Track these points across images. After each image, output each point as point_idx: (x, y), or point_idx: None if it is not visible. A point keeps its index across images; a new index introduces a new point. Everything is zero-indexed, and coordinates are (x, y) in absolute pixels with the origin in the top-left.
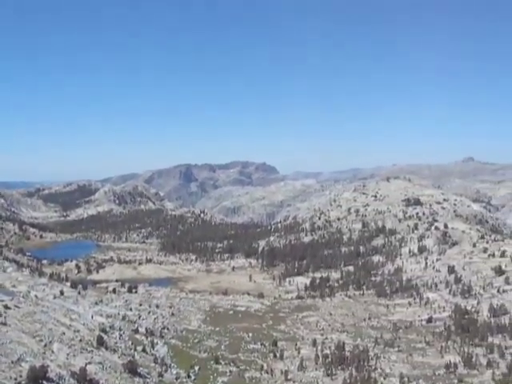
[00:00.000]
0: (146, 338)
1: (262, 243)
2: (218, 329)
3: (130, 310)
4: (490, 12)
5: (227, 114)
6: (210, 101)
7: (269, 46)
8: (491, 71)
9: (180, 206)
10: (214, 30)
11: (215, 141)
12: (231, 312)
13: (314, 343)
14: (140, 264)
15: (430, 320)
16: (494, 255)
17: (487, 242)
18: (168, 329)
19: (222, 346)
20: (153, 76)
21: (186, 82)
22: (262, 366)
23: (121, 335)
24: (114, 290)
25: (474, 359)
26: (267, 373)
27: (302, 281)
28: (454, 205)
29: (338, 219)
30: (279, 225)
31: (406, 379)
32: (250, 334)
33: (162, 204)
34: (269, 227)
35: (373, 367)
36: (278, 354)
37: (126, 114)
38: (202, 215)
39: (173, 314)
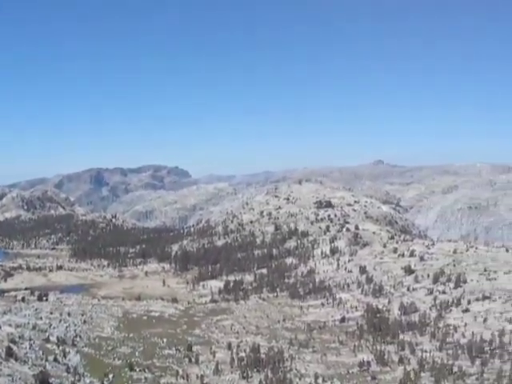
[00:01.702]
0: (58, 347)
1: (175, 247)
2: (131, 335)
3: (41, 318)
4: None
5: (137, 118)
6: (120, 104)
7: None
8: (397, 70)
9: (91, 211)
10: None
11: (127, 144)
12: (145, 318)
13: (229, 346)
14: (50, 271)
15: (343, 320)
16: (403, 255)
17: (397, 243)
18: (80, 337)
19: (137, 353)
20: (62, 79)
21: (94, 83)
22: (178, 372)
23: (31, 345)
24: (23, 299)
25: (386, 356)
26: (183, 378)
27: (216, 284)
28: (365, 206)
29: (251, 222)
30: (192, 229)
31: (320, 379)
32: (165, 340)
33: (72, 209)
34: (182, 231)
35: (288, 368)
36: (193, 359)
37: (34, 117)
38: (113, 220)
39: (85, 322)
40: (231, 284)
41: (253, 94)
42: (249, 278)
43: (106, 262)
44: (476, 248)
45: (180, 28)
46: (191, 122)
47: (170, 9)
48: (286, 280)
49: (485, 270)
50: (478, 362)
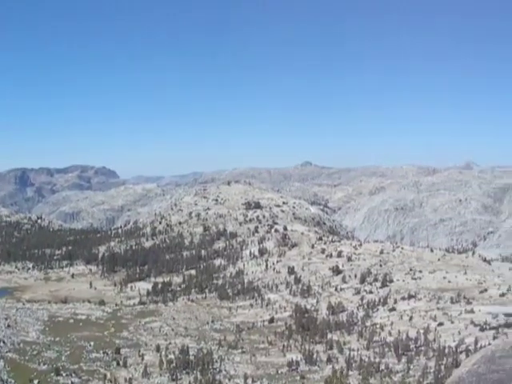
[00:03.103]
0: None
1: (103, 249)
2: (58, 339)
3: None
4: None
5: (63, 117)
6: (46, 103)
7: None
8: (326, 73)
9: (15, 212)
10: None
11: (53, 144)
12: (71, 321)
13: (158, 349)
14: None
15: (271, 320)
16: (331, 255)
17: (325, 243)
18: (4, 342)
19: (63, 357)
20: None
21: (22, 80)
22: (106, 375)
23: None
24: None
25: (314, 356)
26: (111, 382)
27: (144, 286)
28: (293, 207)
29: (180, 223)
30: (120, 230)
31: (250, 379)
32: (92, 343)
33: None
34: (109, 232)
35: (217, 369)
36: (121, 362)
37: None
38: (39, 221)
39: (9, 326)
40: (159, 285)
41: (179, 96)
42: (177, 279)
43: (30, 265)
44: (402, 248)
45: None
46: (118, 122)
47: None
48: (215, 281)
49: (410, 270)
50: (404, 359)
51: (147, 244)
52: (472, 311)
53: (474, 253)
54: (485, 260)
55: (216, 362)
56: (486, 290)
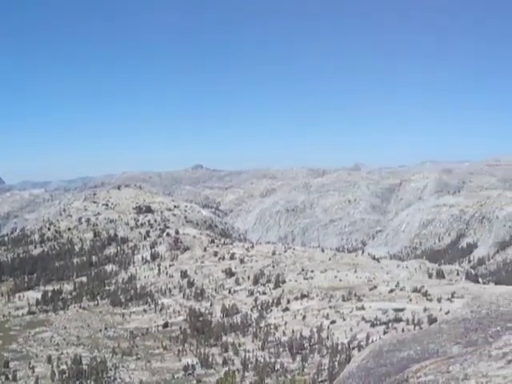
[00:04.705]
0: None
1: None
2: None
3: None
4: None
5: None
6: None
7: None
8: (202, 77)
9: None
10: None
11: None
12: None
13: (50, 360)
14: None
15: (165, 325)
16: (224, 258)
17: (217, 246)
18: None
19: None
20: None
21: None
22: None
23: None
24: None
25: (210, 359)
26: None
27: (33, 295)
28: (185, 211)
29: (69, 229)
30: (6, 238)
31: None
32: None
33: None
34: None
35: (112, 378)
36: (10, 376)
37: None
38: None
39: None
40: (49, 294)
41: (65, 102)
42: (68, 287)
43: None
44: (294, 249)
45: None
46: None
47: None
48: (107, 287)
49: (302, 270)
50: (298, 357)
51: (35, 251)
52: (363, 308)
53: (363, 251)
54: (374, 258)
55: (110, 370)
56: (375, 287)
